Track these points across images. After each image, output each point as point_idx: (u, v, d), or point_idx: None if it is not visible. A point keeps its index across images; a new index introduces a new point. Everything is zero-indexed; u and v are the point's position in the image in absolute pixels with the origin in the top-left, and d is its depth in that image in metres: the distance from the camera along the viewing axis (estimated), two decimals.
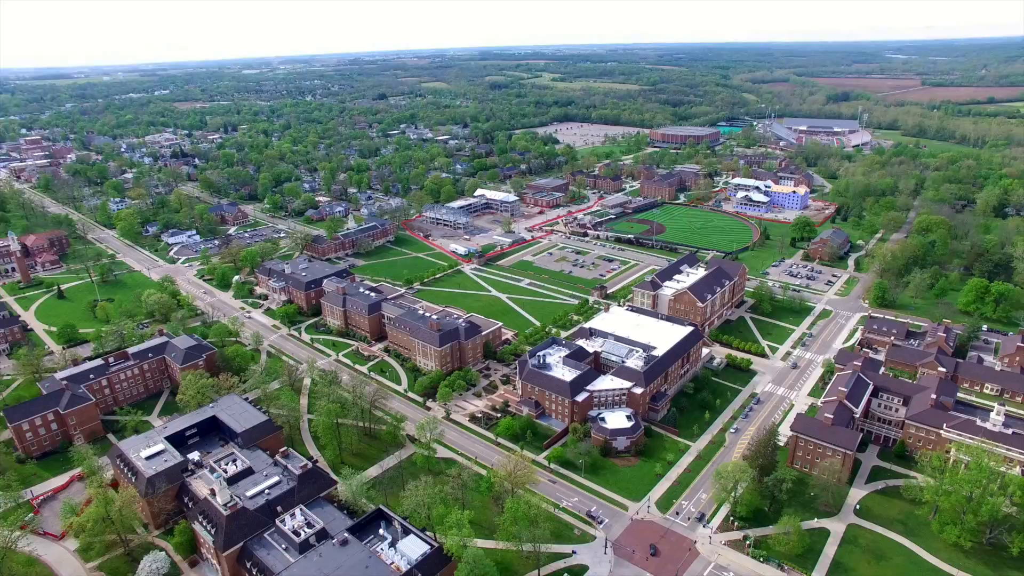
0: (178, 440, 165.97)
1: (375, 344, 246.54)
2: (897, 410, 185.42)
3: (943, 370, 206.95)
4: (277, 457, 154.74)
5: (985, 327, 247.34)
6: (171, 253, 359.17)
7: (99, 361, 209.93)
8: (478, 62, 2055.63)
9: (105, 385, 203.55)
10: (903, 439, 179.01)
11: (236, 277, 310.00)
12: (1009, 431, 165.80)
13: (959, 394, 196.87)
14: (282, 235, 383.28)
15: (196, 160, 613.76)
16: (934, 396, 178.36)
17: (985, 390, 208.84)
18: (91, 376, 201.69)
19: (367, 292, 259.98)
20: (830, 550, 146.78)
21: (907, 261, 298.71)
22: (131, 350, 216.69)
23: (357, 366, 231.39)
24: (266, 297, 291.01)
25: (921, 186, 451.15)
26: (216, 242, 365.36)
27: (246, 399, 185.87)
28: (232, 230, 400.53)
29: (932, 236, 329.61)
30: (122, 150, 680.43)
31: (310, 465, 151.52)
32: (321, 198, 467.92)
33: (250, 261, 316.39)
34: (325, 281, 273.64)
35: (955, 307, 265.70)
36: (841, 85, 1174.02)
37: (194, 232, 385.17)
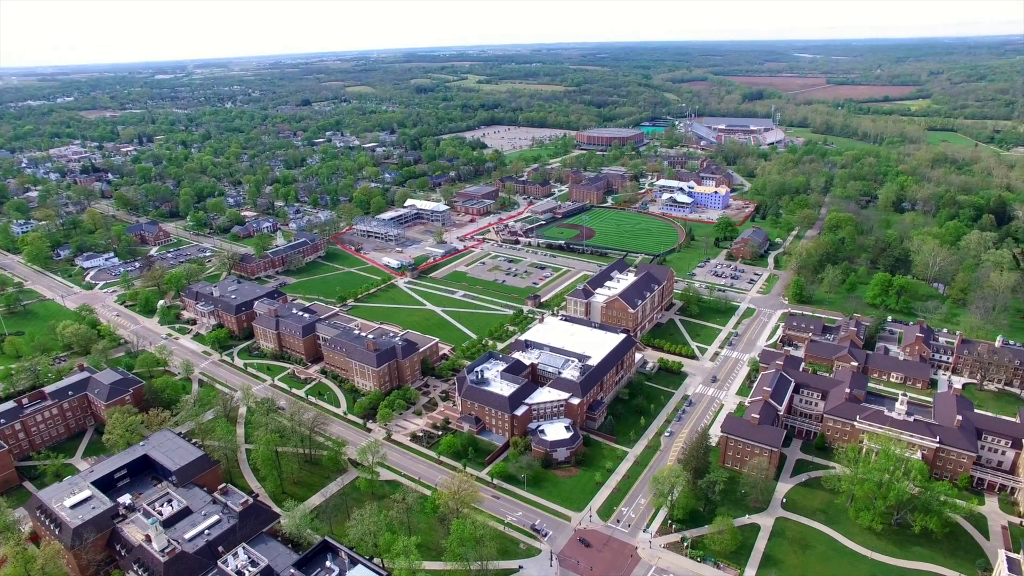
0: (106, 483, 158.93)
1: (311, 366, 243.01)
2: (816, 404, 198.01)
3: (855, 364, 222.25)
4: (216, 494, 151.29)
5: (890, 319, 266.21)
6: (87, 278, 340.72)
7: (11, 403, 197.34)
8: (403, 64, 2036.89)
9: (19, 429, 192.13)
10: (822, 432, 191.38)
11: (161, 302, 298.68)
12: (911, 419, 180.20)
13: (870, 385, 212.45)
14: (208, 254, 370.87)
15: (109, 175, 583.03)
16: (848, 390, 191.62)
17: (892, 379, 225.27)
18: (1, 420, 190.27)
19: (300, 313, 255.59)
20: (761, 544, 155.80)
21: (820, 258, 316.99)
22: (48, 389, 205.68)
23: (294, 390, 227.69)
24: (194, 322, 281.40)
25: (830, 183, 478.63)
26: (137, 264, 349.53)
27: (179, 433, 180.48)
28: (154, 251, 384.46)
29: (841, 233, 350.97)
30: (23, 165, 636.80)
31: (251, 500, 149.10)
32: (247, 213, 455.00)
33: (175, 284, 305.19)
34: (256, 303, 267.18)
35: (864, 300, 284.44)
36: (755, 84, 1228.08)
37: (112, 255, 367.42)
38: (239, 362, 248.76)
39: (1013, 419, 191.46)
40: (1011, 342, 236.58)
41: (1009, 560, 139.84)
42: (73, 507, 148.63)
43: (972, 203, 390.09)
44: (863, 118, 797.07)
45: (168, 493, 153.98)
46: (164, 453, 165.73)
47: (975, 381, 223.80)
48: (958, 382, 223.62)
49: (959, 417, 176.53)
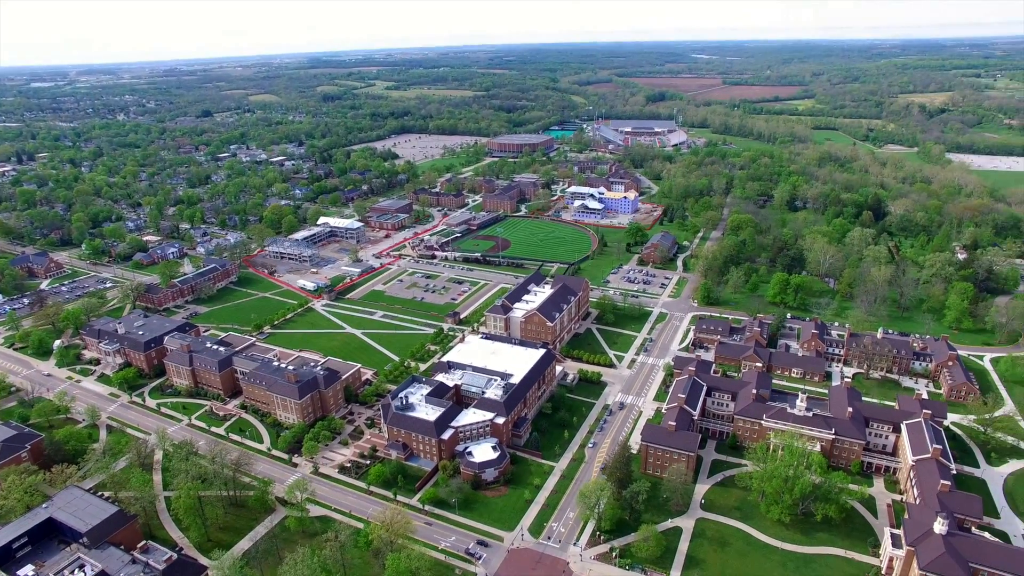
0: (2, 556, 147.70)
1: (230, 401, 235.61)
2: (727, 406, 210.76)
3: (759, 364, 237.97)
4: (135, 553, 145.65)
5: (789, 316, 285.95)
6: None
7: None
8: (307, 71, 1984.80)
9: None
10: (734, 432, 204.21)
11: (57, 342, 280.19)
12: (810, 414, 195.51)
13: (775, 382, 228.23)
14: (108, 286, 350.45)
15: None
16: (754, 391, 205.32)
17: (792, 374, 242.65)
18: None
19: (215, 347, 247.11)
20: (684, 546, 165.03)
21: (725, 259, 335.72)
22: None
23: (213, 428, 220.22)
24: (98, 362, 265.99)
25: (731, 184, 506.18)
26: (26, 301, 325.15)
27: (88, 489, 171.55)
28: (44, 284, 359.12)
29: (743, 234, 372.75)
30: None
31: (175, 556, 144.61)
32: (150, 238, 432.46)
33: (73, 321, 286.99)
34: (166, 338, 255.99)
35: (766, 300, 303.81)
36: (657, 85, 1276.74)
37: None
38: (151, 402, 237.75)
39: (893, 404, 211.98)
40: (891, 331, 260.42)
41: (892, 536, 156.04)
42: None
43: (854, 201, 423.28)
44: (757, 118, 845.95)
45: (79, 558, 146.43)
46: (72, 513, 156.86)
47: (863, 371, 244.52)
48: (849, 373, 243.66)
49: (850, 408, 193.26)
